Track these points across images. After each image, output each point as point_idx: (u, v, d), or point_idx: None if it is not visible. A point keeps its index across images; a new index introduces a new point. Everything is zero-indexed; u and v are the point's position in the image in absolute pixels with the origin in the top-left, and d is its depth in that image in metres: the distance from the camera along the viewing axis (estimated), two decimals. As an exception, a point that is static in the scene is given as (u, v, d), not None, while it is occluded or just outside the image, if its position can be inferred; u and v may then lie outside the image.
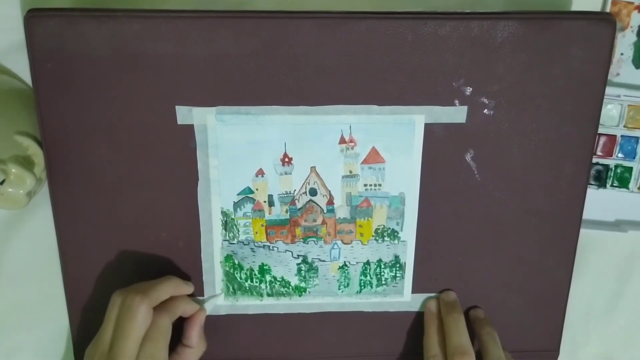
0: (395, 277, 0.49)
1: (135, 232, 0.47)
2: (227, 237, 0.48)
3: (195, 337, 0.47)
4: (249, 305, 0.50)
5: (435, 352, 0.47)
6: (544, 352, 0.52)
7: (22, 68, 0.48)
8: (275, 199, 0.47)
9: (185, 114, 0.44)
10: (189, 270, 0.48)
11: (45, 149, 0.45)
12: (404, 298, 0.50)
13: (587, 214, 0.51)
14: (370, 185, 0.47)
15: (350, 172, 0.46)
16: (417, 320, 0.50)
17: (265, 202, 0.47)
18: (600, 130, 0.51)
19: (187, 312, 0.46)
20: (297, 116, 0.45)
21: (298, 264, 0.49)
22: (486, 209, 0.48)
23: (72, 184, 0.46)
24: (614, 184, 0.52)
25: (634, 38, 0.50)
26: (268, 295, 0.49)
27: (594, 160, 0.52)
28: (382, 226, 0.48)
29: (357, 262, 0.49)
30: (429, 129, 0.45)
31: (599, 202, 0.53)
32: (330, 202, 0.47)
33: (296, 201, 0.47)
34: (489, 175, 0.47)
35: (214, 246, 0.48)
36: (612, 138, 0.51)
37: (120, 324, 0.42)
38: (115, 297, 0.43)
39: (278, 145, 0.46)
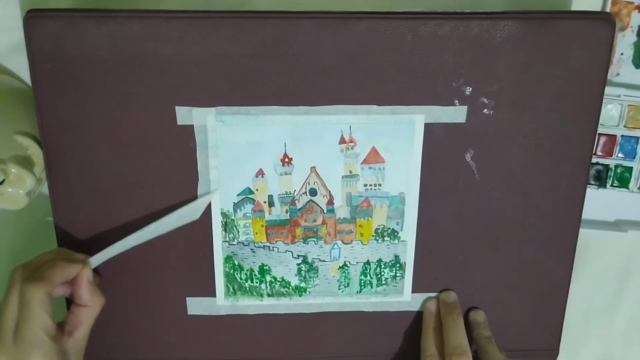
0: (395, 276, 0.49)
1: (133, 233, 0.47)
2: (227, 238, 0.48)
3: (85, 294, 0.44)
4: (249, 305, 0.50)
5: (432, 351, 0.47)
6: (543, 351, 0.52)
7: (22, 68, 0.48)
8: (275, 199, 0.47)
9: (185, 115, 0.44)
10: (188, 271, 0.48)
11: (45, 149, 0.45)
12: (404, 298, 0.50)
13: (587, 214, 0.51)
14: (370, 185, 0.47)
15: (350, 172, 0.46)
16: (418, 319, 0.50)
17: (265, 202, 0.47)
18: (601, 130, 0.51)
19: (70, 275, 0.43)
20: (297, 116, 0.45)
21: (298, 264, 0.49)
22: (486, 208, 0.48)
23: (72, 184, 0.46)
24: (614, 184, 0.52)
25: (634, 38, 0.50)
26: (268, 295, 0.49)
27: (594, 160, 0.52)
28: (382, 226, 0.48)
29: (357, 262, 0.49)
30: (429, 128, 0.45)
31: (599, 202, 0.53)
32: (330, 202, 0.47)
33: (296, 201, 0.47)
34: (488, 175, 0.47)
35: (214, 247, 0.48)
36: (612, 138, 0.51)
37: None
38: None
39: (278, 145, 0.46)
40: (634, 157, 0.52)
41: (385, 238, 0.48)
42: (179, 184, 0.46)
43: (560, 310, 0.51)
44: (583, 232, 0.49)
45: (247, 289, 0.49)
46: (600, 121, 0.47)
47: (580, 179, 0.47)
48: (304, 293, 0.49)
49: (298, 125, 0.45)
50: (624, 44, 0.50)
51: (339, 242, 0.48)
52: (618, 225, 0.53)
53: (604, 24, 0.43)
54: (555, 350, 0.52)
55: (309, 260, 0.49)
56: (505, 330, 0.50)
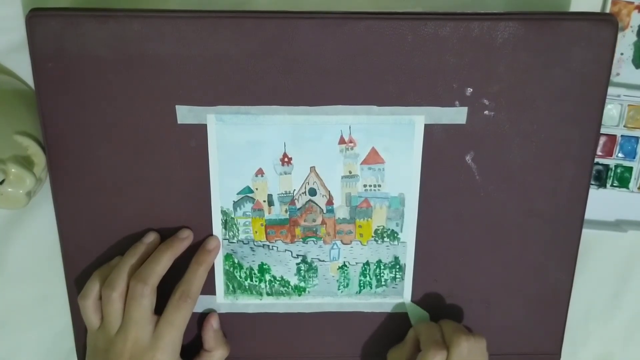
0: (395, 278, 0.49)
1: (135, 232, 0.47)
2: (227, 236, 0.48)
3: (209, 340, 0.48)
4: (248, 304, 0.50)
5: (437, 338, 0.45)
6: (545, 355, 0.52)
7: (23, 68, 0.48)
8: (275, 198, 0.47)
9: (185, 114, 0.44)
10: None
11: (47, 149, 0.45)
12: (404, 299, 0.50)
13: (587, 214, 0.51)
14: (370, 185, 0.47)
15: (350, 172, 0.46)
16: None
17: (264, 201, 0.47)
18: (601, 130, 0.51)
19: (177, 252, 0.46)
20: (296, 116, 0.45)
21: (297, 264, 0.49)
22: (486, 210, 0.47)
23: (74, 183, 0.46)
24: (614, 184, 0.52)
25: (634, 38, 0.50)
26: (268, 294, 0.49)
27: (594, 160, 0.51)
28: (381, 227, 0.48)
29: (356, 263, 0.49)
30: (429, 129, 0.45)
31: (599, 202, 0.53)
32: (330, 202, 0.47)
33: (296, 201, 0.47)
34: (489, 177, 0.47)
35: (213, 245, 0.48)
36: (612, 138, 0.51)
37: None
38: None
39: (278, 145, 0.46)
40: (634, 157, 0.52)
41: (385, 239, 0.48)
42: (179, 183, 0.46)
43: (562, 313, 0.51)
44: (583, 232, 0.49)
45: (247, 287, 0.49)
46: (600, 121, 0.47)
47: (583, 180, 0.47)
48: (303, 293, 0.50)
49: (298, 125, 0.45)
50: (624, 44, 0.50)
51: (339, 243, 0.48)
52: (618, 225, 0.53)
53: (606, 24, 0.43)
54: (557, 354, 0.52)
55: (309, 260, 0.49)
56: (506, 333, 0.50)
